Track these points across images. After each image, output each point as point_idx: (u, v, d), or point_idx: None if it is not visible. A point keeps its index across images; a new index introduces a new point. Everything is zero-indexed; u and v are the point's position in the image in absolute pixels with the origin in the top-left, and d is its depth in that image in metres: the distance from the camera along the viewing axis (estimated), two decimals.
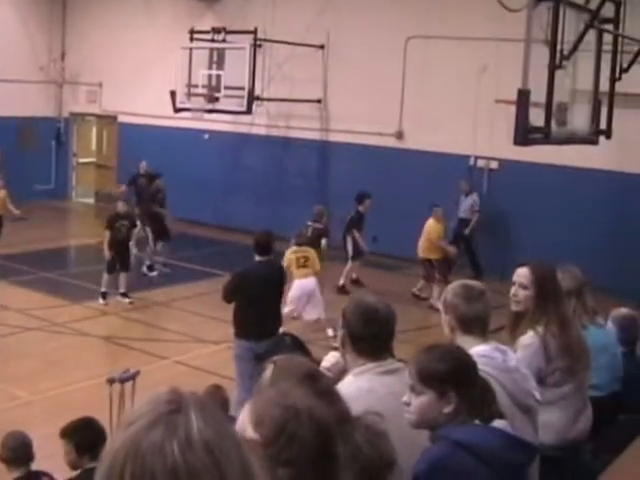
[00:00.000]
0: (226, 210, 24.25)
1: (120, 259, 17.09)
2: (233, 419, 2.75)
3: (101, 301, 16.96)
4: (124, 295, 17.23)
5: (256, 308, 11.05)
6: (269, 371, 3.12)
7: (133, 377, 9.18)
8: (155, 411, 1.74)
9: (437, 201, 18.13)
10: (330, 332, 14.31)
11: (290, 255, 14.79)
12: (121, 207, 17.36)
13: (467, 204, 19.91)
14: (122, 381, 9.15)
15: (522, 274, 5.83)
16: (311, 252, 14.93)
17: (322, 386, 2.81)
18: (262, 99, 22.02)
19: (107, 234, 16.95)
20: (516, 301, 5.81)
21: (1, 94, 27.04)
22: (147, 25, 26.39)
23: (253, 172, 24.05)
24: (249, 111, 21.20)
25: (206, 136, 25.03)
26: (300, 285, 14.58)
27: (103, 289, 17.02)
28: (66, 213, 27.32)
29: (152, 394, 1.79)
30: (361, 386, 4.24)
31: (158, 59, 25.45)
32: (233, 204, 23.78)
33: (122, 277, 17.25)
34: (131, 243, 17.86)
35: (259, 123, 23.70)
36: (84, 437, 6.84)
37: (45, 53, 28.85)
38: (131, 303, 17.11)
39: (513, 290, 5.84)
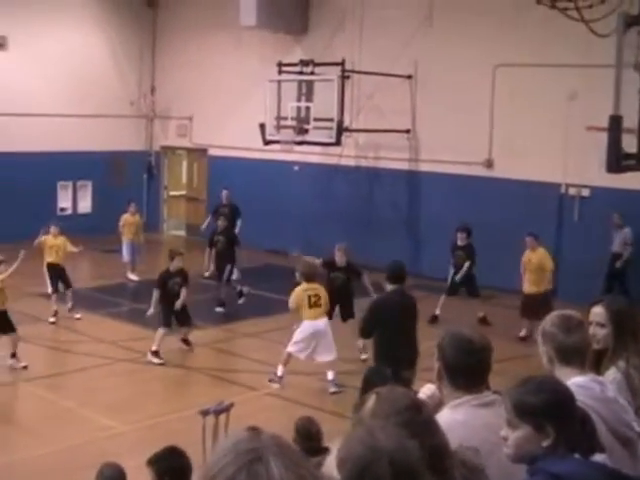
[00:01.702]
0: (315, 241, 24.22)
1: (175, 313, 15.93)
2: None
3: (155, 360, 15.42)
4: (185, 342, 16.30)
5: (396, 337, 10.96)
6: (371, 402, 3.07)
7: (227, 409, 9.12)
8: (236, 463, 1.71)
9: (528, 229, 17.87)
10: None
11: (301, 293, 14.08)
12: (176, 264, 16.04)
13: (620, 238, 19.42)
14: (216, 413, 9.10)
15: (597, 313, 5.71)
16: (323, 290, 14.30)
17: (423, 418, 2.75)
18: (351, 130, 22.05)
19: (156, 293, 15.89)
20: (596, 340, 5.68)
21: (94, 129, 27.63)
22: (236, 59, 26.68)
23: (342, 203, 24.05)
24: (338, 142, 21.23)
25: (296, 168, 25.13)
26: (311, 326, 13.99)
27: (155, 347, 15.50)
28: (157, 245, 27.58)
29: (230, 440, 1.76)
30: (457, 419, 4.16)
31: (247, 92, 25.69)
32: (322, 235, 23.69)
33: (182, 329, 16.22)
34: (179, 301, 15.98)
35: (348, 154, 23.71)
36: (168, 466, 6.80)
37: (136, 88, 29.35)
38: (188, 345, 16.25)
39: (591, 330, 5.71)
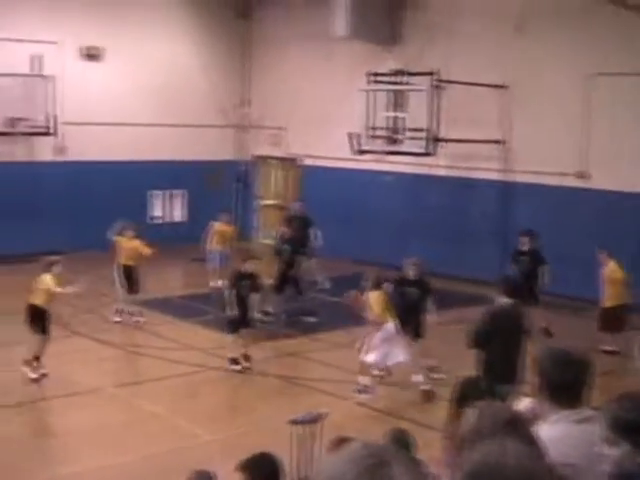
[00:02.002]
0: (407, 252, 24.12)
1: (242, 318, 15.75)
2: None
3: (234, 367, 15.45)
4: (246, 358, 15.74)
5: (505, 350, 10.81)
6: (472, 417, 3.02)
7: (317, 419, 9.09)
8: (359, 467, 1.70)
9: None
10: (419, 378, 14.13)
11: (379, 298, 14.12)
12: (247, 266, 15.94)
13: None
14: (305, 423, 9.08)
15: None
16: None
17: (526, 433, 2.70)
18: (443, 140, 21.91)
19: (228, 293, 15.75)
20: None
21: (188, 138, 27.97)
22: (328, 69, 26.76)
23: (433, 213, 23.92)
24: (430, 152, 21.12)
25: (387, 178, 25.07)
26: (389, 328, 14.03)
27: (231, 355, 15.59)
28: (249, 254, 27.77)
29: (348, 447, 1.75)
30: (555, 434, 4.07)
31: (339, 102, 25.74)
32: (414, 245, 23.51)
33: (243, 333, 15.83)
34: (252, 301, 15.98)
35: (440, 164, 23.56)
36: (259, 471, 6.76)
37: (230, 98, 29.61)
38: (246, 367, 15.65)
39: None
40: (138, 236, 18.92)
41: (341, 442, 8.03)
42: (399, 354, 14.03)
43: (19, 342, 15.10)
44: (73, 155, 26.12)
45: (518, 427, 2.76)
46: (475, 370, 10.91)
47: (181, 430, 12.43)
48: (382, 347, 13.91)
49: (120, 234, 18.77)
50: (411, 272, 15.02)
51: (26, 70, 24.87)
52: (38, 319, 14.50)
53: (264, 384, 14.90)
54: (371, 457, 1.72)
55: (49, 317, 14.67)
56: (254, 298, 15.84)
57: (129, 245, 18.65)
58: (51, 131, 24.93)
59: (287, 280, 19.36)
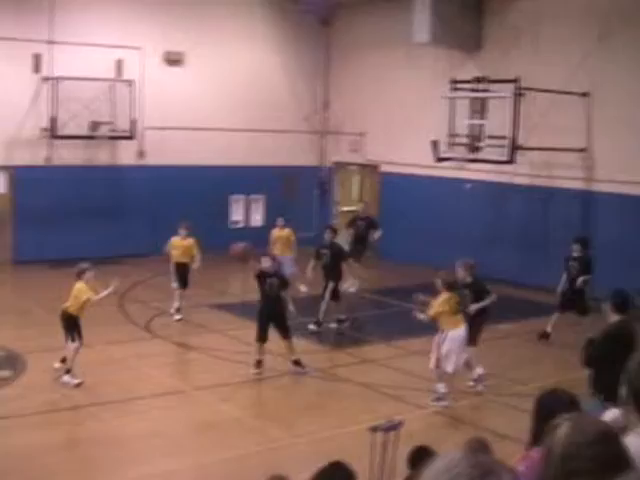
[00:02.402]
0: (487, 261, 23.94)
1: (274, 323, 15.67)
2: None
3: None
4: (296, 363, 15.71)
5: (616, 369, 10.57)
6: (564, 430, 2.98)
7: (396, 427, 9.06)
8: (468, 475, 1.71)
9: None
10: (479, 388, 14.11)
11: (444, 300, 13.88)
12: (264, 263, 15.52)
13: None
14: (386, 430, 9.04)
15: None
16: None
17: (617, 448, 2.67)
18: (524, 148, 21.71)
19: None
20: None
21: (269, 144, 28.18)
22: (409, 76, 26.72)
23: (515, 222, 23.71)
24: (511, 160, 20.95)
25: (468, 185, 24.93)
26: (457, 333, 13.89)
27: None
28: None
29: (445, 461, 1.74)
30: None
31: (419, 109, 25.71)
32: (494, 255, 23.35)
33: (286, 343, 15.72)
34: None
35: (521, 172, 23.35)
36: None
37: (309, 104, 29.73)
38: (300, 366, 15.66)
39: None
40: (190, 235, 19.39)
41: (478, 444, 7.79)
42: (457, 361, 14.02)
43: (88, 344, 15.32)
44: (153, 159, 26.47)
45: (610, 440, 2.73)
46: (588, 388, 10.66)
47: (260, 433, 12.50)
48: (456, 353, 13.85)
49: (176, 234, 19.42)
50: (459, 275, 14.92)
51: (109, 75, 25.30)
52: (72, 326, 14.51)
53: (342, 390, 14.91)
54: (477, 467, 1.72)
55: (80, 324, 14.63)
56: (287, 300, 15.86)
57: (181, 244, 19.26)
58: (132, 135, 25.29)
59: (326, 285, 18.97)
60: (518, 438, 9.06)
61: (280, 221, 21.76)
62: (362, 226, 22.65)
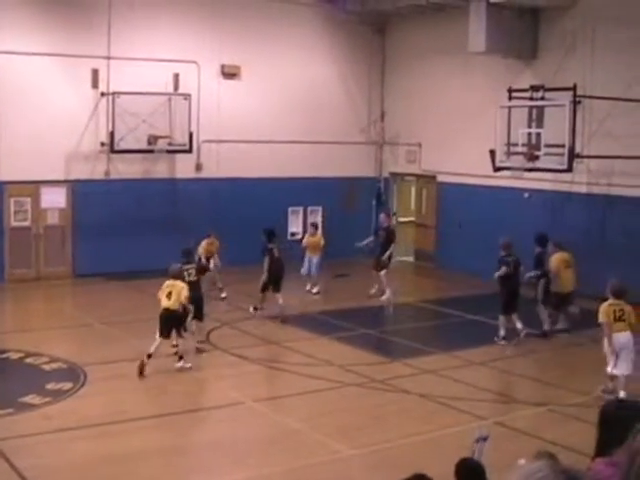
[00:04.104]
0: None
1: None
2: None
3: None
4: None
5: None
6: None
7: (485, 439, 8.80)
8: None
9: None
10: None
11: (607, 307, 14.52)
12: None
13: None
14: (484, 440, 8.79)
15: None
16: (628, 306, 14.57)
17: None
18: (582, 156, 21.52)
19: None
20: None
21: (325, 155, 28.26)
22: (465, 85, 26.65)
23: (574, 231, 23.41)
24: (569, 169, 20.77)
25: (526, 195, 24.77)
26: (617, 338, 14.43)
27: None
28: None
29: (529, 470, 1.74)
30: None
31: (476, 118, 25.60)
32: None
33: None
34: None
35: (580, 181, 23.15)
36: None
37: (365, 114, 29.76)
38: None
39: None
40: (218, 237, 22.22)
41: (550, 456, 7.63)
42: (622, 365, 14.41)
43: (133, 358, 15.47)
44: (211, 172, 26.64)
45: None
46: None
47: (321, 445, 12.48)
48: (614, 355, 14.37)
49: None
50: None
51: (166, 89, 25.55)
52: (176, 322, 15.94)
53: (402, 400, 14.85)
54: (561, 473, 1.72)
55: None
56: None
57: (207, 248, 21.89)
58: (190, 149, 25.47)
59: None
60: (582, 450, 8.97)
61: (312, 229, 24.33)
62: (383, 236, 23.43)
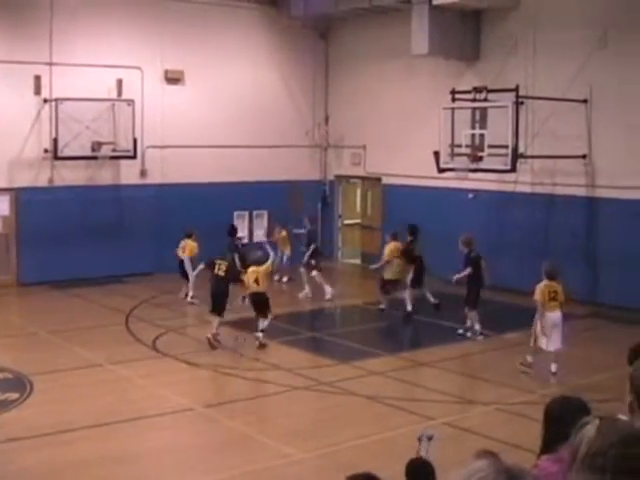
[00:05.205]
0: (490, 269, 24.01)
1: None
2: None
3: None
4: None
5: None
6: (592, 428, 2.96)
7: (430, 438, 8.84)
8: None
9: None
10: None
11: (543, 288, 15.79)
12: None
13: None
14: (429, 439, 8.82)
15: None
16: (560, 287, 15.93)
17: None
18: (526, 156, 21.75)
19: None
20: None
21: (269, 159, 28.24)
22: (408, 87, 26.79)
23: (518, 231, 23.68)
24: (513, 169, 20.98)
25: (470, 195, 24.96)
26: (550, 317, 15.68)
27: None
28: (332, 273, 27.85)
29: (471, 469, 1.76)
30: None
31: (420, 120, 25.75)
32: (498, 263, 23.36)
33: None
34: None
35: (523, 181, 23.38)
36: None
37: (310, 118, 29.79)
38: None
39: None
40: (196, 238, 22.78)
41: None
42: (554, 342, 15.72)
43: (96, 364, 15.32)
44: (156, 178, 26.52)
45: (636, 442, 2.72)
46: None
47: (271, 449, 12.46)
48: (546, 331, 15.64)
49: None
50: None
51: (110, 95, 25.40)
52: (264, 304, 18.29)
53: (351, 403, 14.88)
54: (503, 472, 1.73)
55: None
56: None
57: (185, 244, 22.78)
58: (134, 154, 25.35)
59: None
60: (529, 448, 9.05)
61: (278, 227, 25.94)
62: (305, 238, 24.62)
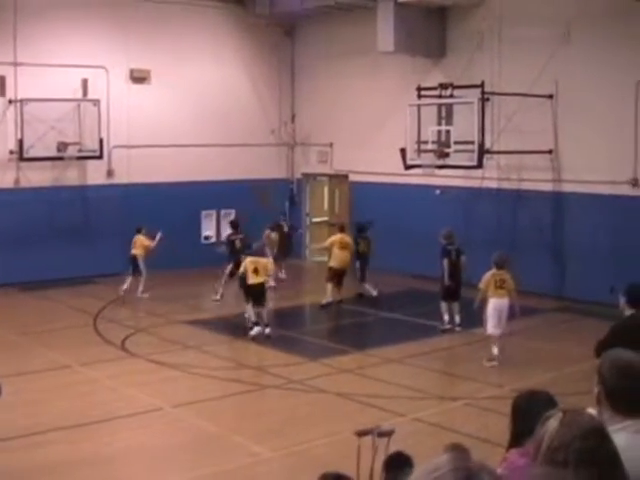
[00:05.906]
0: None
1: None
2: None
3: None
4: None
5: None
6: (554, 421, 2.99)
7: (389, 434, 8.91)
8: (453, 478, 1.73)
9: None
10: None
11: (489, 276, 16.66)
12: None
13: None
14: (380, 435, 8.88)
15: None
16: (507, 275, 16.73)
17: (604, 443, 2.70)
18: (492, 152, 21.85)
19: None
20: None
21: (236, 158, 28.20)
22: (375, 84, 26.83)
23: (485, 226, 23.77)
24: (480, 165, 21.07)
25: (437, 191, 25.03)
26: (497, 303, 16.53)
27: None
28: (300, 272, 27.85)
29: (431, 465, 1.77)
30: (618, 444, 4.04)
31: (386, 117, 25.81)
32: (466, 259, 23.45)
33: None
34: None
35: (490, 176, 23.50)
36: None
37: (276, 116, 29.78)
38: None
39: None
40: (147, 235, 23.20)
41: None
42: (500, 328, 16.57)
43: (65, 366, 15.25)
44: (123, 178, 26.41)
45: (598, 435, 2.76)
46: None
47: (241, 448, 12.45)
48: (494, 318, 16.49)
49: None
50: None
51: (75, 95, 25.27)
52: (264, 294, 19.01)
53: (321, 402, 14.89)
54: (459, 470, 1.74)
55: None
56: None
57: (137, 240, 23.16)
58: (100, 154, 25.25)
59: None
60: (498, 442, 9.10)
61: (267, 231, 25.53)
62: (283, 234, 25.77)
